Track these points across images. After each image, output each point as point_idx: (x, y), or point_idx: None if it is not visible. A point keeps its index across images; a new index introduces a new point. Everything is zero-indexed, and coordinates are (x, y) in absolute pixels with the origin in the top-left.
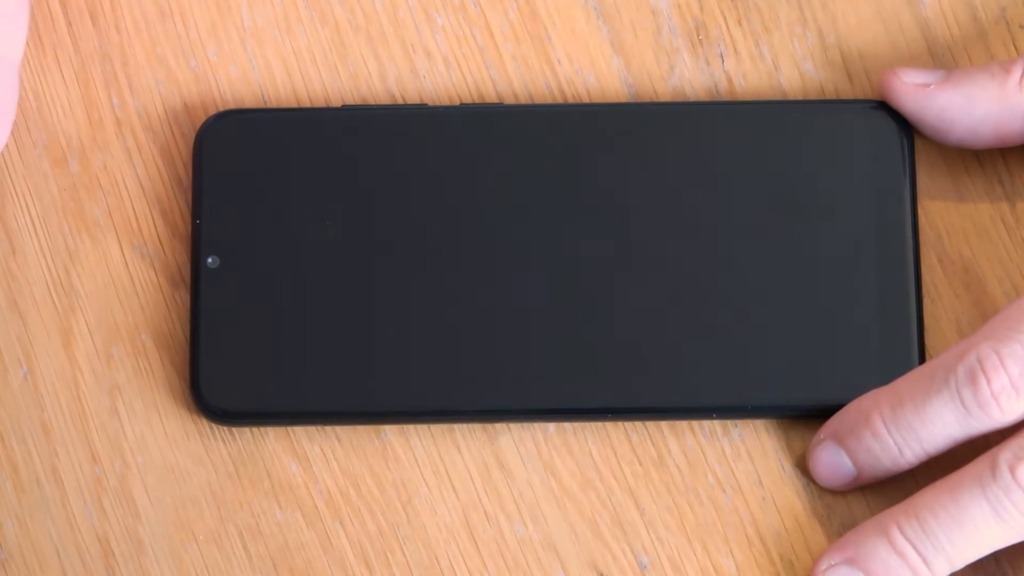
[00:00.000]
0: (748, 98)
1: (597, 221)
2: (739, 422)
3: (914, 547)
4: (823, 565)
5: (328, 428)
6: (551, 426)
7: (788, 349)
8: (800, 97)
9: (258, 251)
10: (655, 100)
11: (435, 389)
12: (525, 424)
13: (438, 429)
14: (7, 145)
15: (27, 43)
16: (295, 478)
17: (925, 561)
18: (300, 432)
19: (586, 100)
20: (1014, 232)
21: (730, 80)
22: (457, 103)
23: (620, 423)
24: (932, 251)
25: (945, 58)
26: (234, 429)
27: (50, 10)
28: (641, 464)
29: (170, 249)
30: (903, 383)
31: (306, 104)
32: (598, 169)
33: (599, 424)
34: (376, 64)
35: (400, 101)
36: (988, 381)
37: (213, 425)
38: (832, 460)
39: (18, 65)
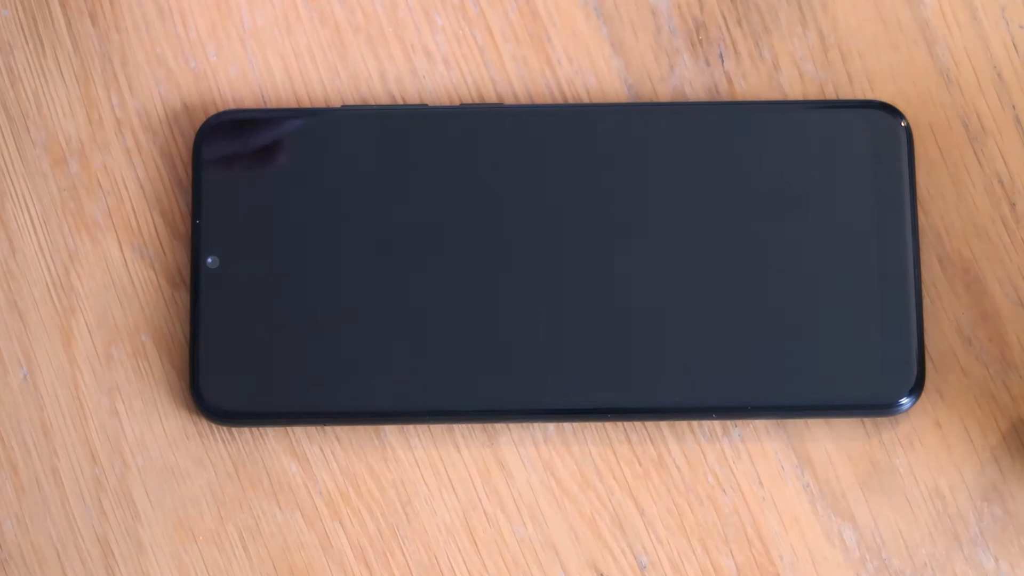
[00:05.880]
0: (748, 98)
1: (597, 221)
2: (739, 422)
3: None
4: None
5: (328, 428)
6: (551, 426)
7: (788, 349)
8: (800, 97)
9: (258, 251)
10: (655, 100)
11: (435, 389)
12: (525, 424)
13: (438, 429)
14: (7, 145)
15: (27, 43)
16: (295, 478)
17: None
18: (300, 432)
19: (586, 100)
20: (1014, 232)
21: (730, 80)
22: (457, 103)
23: (620, 423)
24: (932, 251)
25: (945, 58)
26: (234, 429)
27: (50, 10)
28: (641, 464)
29: (170, 249)
30: None
31: (306, 104)
32: (598, 169)
33: (599, 424)
34: (376, 64)
35: (400, 101)
36: None
37: (213, 425)
38: None
39: None
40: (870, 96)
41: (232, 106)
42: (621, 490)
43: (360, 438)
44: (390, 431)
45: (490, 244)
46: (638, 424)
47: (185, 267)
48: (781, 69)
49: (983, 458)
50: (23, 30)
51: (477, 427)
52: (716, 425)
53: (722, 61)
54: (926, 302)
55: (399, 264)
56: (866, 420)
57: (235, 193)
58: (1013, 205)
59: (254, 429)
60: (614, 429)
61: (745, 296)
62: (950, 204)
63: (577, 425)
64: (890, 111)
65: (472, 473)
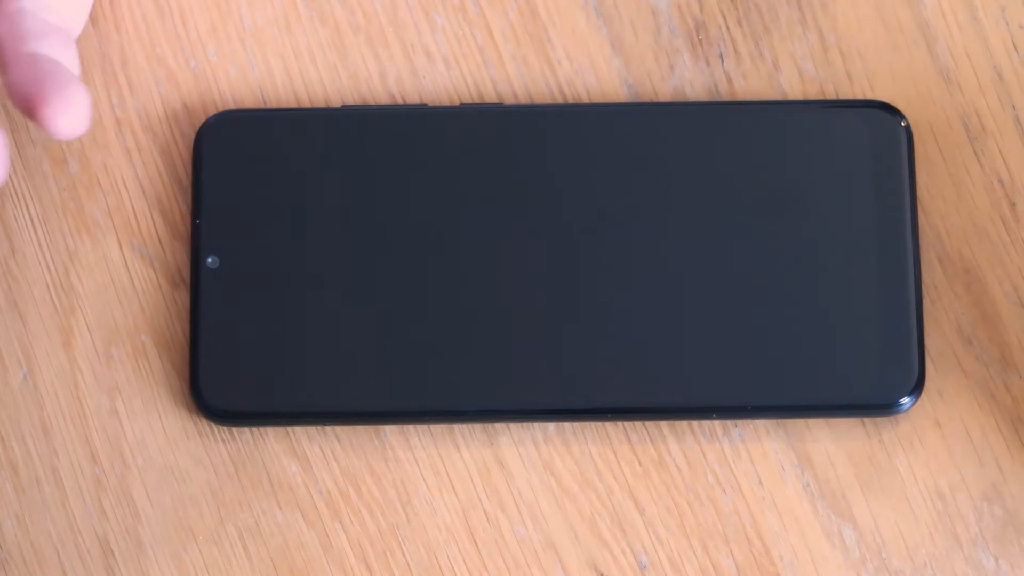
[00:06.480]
0: (748, 98)
1: (597, 221)
2: (739, 422)
3: None
4: None
5: (328, 428)
6: (551, 426)
7: (788, 349)
8: (800, 97)
9: (258, 251)
10: (655, 100)
11: (435, 389)
12: (525, 424)
13: (438, 429)
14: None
15: None
16: (295, 478)
17: None
18: (300, 432)
19: (586, 100)
20: (1014, 232)
21: (730, 80)
22: (457, 103)
23: (620, 423)
24: (932, 251)
25: (945, 58)
26: (234, 429)
27: None
28: (641, 464)
29: (170, 249)
30: None
31: (306, 104)
32: (598, 169)
33: (599, 424)
34: (376, 64)
35: (400, 101)
36: None
37: (213, 425)
38: None
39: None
40: (870, 96)
41: (232, 106)
42: (621, 490)
43: (360, 438)
44: (390, 431)
45: (490, 244)
46: (638, 424)
47: (185, 267)
48: (781, 69)
49: (983, 458)
50: None
51: (477, 427)
52: (716, 425)
53: (722, 61)
54: (926, 302)
55: (399, 264)
56: (866, 420)
57: (235, 193)
58: (1013, 205)
59: (254, 429)
60: (614, 429)
61: (745, 296)
62: (950, 204)
63: (577, 425)
64: (890, 111)
65: (472, 473)
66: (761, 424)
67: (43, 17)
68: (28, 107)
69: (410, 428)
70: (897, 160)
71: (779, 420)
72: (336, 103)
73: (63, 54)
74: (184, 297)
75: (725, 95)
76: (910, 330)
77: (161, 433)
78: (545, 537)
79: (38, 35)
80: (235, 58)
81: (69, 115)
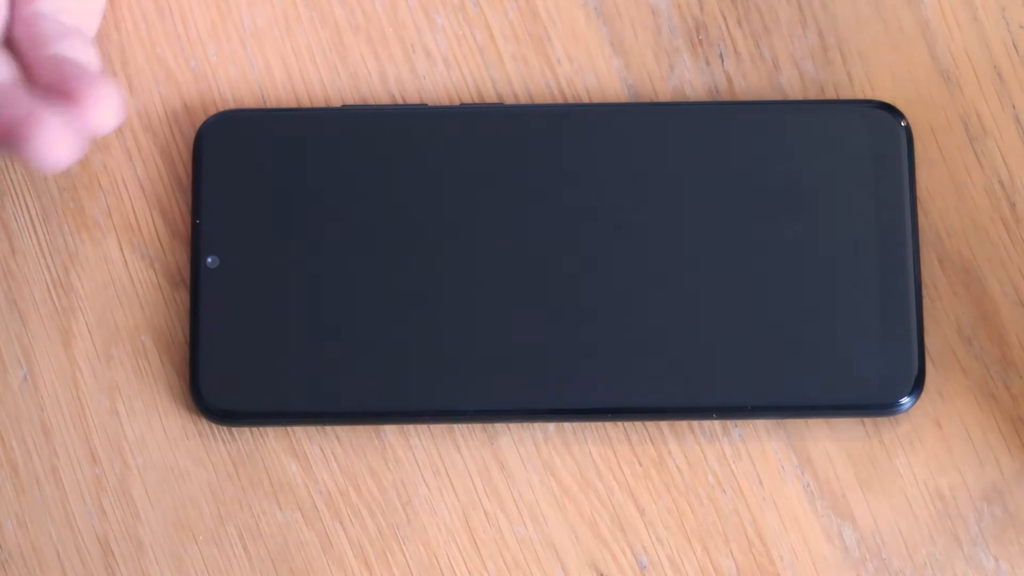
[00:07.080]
0: (748, 98)
1: (597, 221)
2: (739, 422)
3: None
4: None
5: (328, 428)
6: (551, 426)
7: (788, 349)
8: (800, 97)
9: (258, 251)
10: (655, 100)
11: (435, 389)
12: (525, 424)
13: (438, 429)
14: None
15: None
16: (295, 478)
17: None
18: (300, 432)
19: (586, 100)
20: (1014, 232)
21: (730, 80)
22: (457, 103)
23: (620, 423)
24: (932, 251)
25: (945, 58)
26: (234, 429)
27: None
28: (641, 464)
29: (170, 249)
30: None
31: (306, 104)
32: (598, 169)
33: (599, 424)
34: (376, 64)
35: (400, 101)
36: None
37: (213, 425)
38: None
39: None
40: (870, 96)
41: (232, 106)
42: (621, 490)
43: (360, 438)
44: (390, 431)
45: (490, 244)
46: (638, 424)
47: (185, 267)
48: (781, 69)
49: (983, 458)
50: None
51: (477, 427)
52: (716, 425)
53: (722, 61)
54: (926, 302)
55: (399, 264)
56: (866, 420)
57: (235, 193)
58: (1013, 205)
59: (254, 429)
60: (614, 429)
61: (745, 296)
62: (950, 204)
63: (577, 425)
64: (890, 111)
65: (472, 473)
66: (761, 424)
67: (60, 19)
68: (63, 105)
69: (410, 428)
70: (897, 160)
71: (779, 420)
72: (336, 103)
73: (83, 54)
74: (184, 297)
75: (725, 95)
76: (910, 330)
77: (161, 433)
78: (545, 537)
79: (57, 38)
80: (235, 58)
81: (108, 107)
